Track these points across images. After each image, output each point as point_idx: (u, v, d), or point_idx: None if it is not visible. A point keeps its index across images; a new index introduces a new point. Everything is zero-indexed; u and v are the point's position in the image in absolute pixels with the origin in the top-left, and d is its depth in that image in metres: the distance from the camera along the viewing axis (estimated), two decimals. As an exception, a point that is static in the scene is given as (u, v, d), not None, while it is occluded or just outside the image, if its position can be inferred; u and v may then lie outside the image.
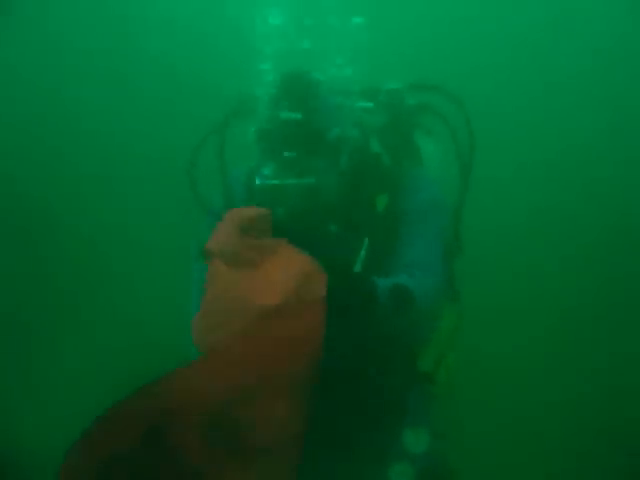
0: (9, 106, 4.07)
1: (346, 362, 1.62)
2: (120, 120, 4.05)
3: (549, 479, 3.28)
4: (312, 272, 1.49)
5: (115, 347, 3.65)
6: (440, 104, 2.13)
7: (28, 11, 4.16)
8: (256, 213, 1.56)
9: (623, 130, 4.05)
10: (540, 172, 3.93)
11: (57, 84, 4.16)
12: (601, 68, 4.02)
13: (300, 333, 1.41)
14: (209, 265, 1.54)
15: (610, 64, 4.04)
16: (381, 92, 2.13)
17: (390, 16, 3.49)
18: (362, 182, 1.83)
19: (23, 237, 3.93)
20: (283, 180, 1.70)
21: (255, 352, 1.40)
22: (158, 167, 3.80)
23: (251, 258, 1.50)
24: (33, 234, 3.96)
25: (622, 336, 3.68)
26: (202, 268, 1.55)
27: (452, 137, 2.10)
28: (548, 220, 3.94)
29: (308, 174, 1.70)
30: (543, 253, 3.88)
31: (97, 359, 3.65)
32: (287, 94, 1.72)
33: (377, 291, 1.58)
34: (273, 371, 1.39)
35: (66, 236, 3.97)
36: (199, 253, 1.56)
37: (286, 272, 1.48)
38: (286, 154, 1.69)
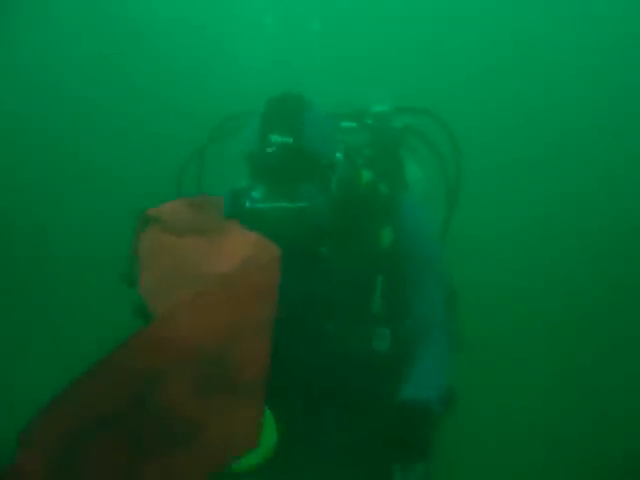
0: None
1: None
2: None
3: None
4: (264, 245, 1.52)
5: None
6: (426, 126, 2.13)
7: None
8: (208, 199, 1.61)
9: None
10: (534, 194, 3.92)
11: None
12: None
13: (259, 286, 1.48)
14: (145, 233, 1.58)
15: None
16: (368, 114, 2.13)
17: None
18: (358, 208, 1.81)
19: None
20: (273, 203, 1.68)
21: (227, 300, 1.45)
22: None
23: (200, 228, 1.55)
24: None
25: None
26: None
27: (438, 159, 2.10)
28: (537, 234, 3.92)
29: (298, 198, 1.68)
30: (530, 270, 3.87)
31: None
32: (278, 117, 1.70)
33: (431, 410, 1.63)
34: (245, 314, 1.46)
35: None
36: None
37: (237, 244, 1.52)
38: (276, 178, 1.68)
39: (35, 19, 4.19)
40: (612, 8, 4.19)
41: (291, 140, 1.66)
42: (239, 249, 1.51)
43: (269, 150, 1.66)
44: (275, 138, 1.66)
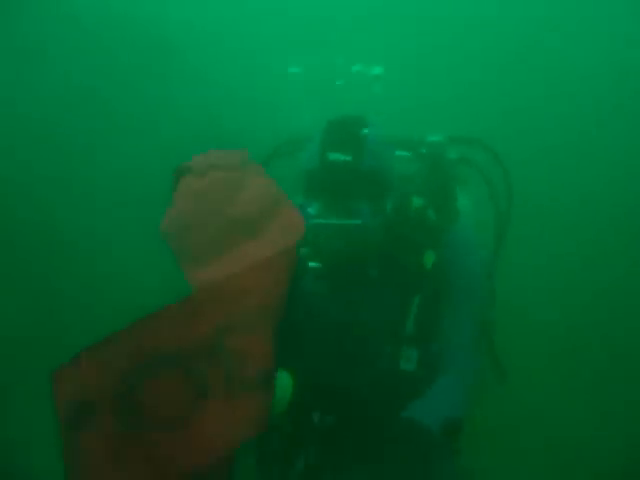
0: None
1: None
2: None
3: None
4: (282, 199, 1.56)
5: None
6: (479, 158, 2.15)
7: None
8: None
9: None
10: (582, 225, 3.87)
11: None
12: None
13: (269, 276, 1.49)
14: (179, 182, 1.62)
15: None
16: (423, 144, 2.15)
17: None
18: (407, 231, 1.84)
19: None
20: (327, 220, 1.71)
21: (233, 289, 1.48)
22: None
23: (226, 169, 1.60)
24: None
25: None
26: None
27: (490, 191, 2.11)
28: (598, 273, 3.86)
29: (353, 216, 1.70)
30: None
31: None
32: (338, 135, 1.74)
33: (430, 436, 1.61)
34: (251, 302, 1.47)
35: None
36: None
37: (257, 190, 1.58)
38: (332, 195, 1.71)
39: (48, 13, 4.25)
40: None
41: (350, 158, 1.70)
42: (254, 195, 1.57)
43: (328, 167, 1.70)
44: (334, 156, 1.70)
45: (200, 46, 4.30)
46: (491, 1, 4.23)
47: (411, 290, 1.81)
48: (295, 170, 1.86)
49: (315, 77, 2.20)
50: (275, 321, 1.47)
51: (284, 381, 1.59)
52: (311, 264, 1.77)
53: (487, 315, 2.04)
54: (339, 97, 2.12)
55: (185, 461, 1.39)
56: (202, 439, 1.39)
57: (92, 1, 4.29)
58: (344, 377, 1.79)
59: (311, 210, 1.74)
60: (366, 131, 1.76)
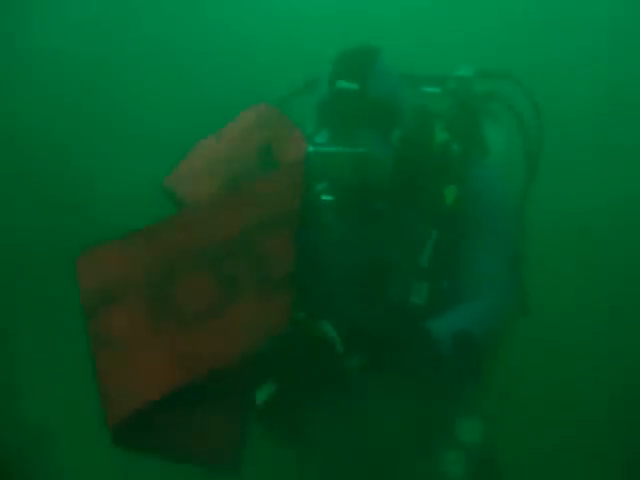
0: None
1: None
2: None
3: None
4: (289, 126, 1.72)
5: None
6: (509, 92, 2.11)
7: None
8: None
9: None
10: (617, 162, 3.77)
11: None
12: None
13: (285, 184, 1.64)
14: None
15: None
16: (450, 79, 2.12)
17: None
18: (425, 165, 1.83)
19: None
20: (333, 148, 1.71)
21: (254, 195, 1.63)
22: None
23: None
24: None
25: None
26: None
27: (519, 127, 2.08)
28: (625, 212, 3.77)
29: (358, 144, 1.70)
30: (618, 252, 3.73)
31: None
32: (346, 64, 1.73)
33: (438, 345, 1.61)
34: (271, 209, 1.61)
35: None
36: None
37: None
38: (338, 123, 1.70)
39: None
40: None
41: (357, 87, 1.68)
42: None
43: (334, 95, 1.70)
44: (341, 84, 1.69)
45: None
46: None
47: (428, 225, 1.81)
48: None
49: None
50: (293, 228, 1.57)
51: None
52: (324, 197, 1.77)
53: (517, 250, 2.02)
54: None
55: (211, 354, 1.45)
56: (229, 334, 1.47)
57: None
58: (356, 310, 1.81)
59: (318, 139, 1.74)
60: (375, 61, 1.75)
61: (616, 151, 3.85)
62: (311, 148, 1.74)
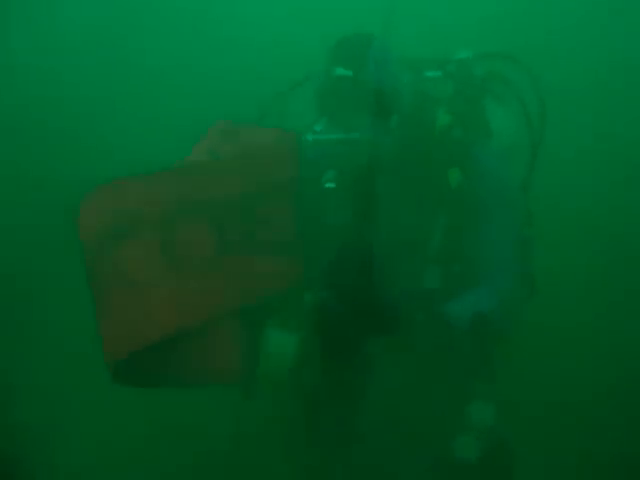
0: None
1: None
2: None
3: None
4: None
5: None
6: (510, 72, 2.10)
7: None
8: None
9: None
10: (616, 144, 3.76)
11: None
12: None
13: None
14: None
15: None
16: (450, 62, 2.11)
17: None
18: (427, 149, 1.83)
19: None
20: (330, 135, 1.73)
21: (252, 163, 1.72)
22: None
23: None
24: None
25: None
26: None
27: (521, 106, 2.08)
28: (624, 195, 3.77)
29: (354, 130, 1.72)
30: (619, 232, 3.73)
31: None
32: (343, 52, 1.75)
33: (456, 327, 1.65)
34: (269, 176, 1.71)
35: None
36: None
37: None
38: (335, 110, 1.73)
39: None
40: None
41: (351, 73, 1.71)
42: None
43: (331, 83, 1.73)
44: (338, 71, 1.72)
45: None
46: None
47: (435, 209, 1.81)
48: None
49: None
50: (292, 195, 1.69)
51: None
52: (327, 185, 1.78)
53: (523, 231, 2.03)
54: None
55: (211, 302, 1.53)
56: (227, 286, 1.56)
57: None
58: (368, 297, 1.82)
59: (317, 127, 1.75)
60: (369, 47, 1.76)
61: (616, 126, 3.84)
62: (310, 136, 1.75)
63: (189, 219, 1.57)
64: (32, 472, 2.82)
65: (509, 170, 1.94)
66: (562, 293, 3.45)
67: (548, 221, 2.76)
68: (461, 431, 1.86)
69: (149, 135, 3.90)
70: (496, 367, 1.89)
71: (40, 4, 4.27)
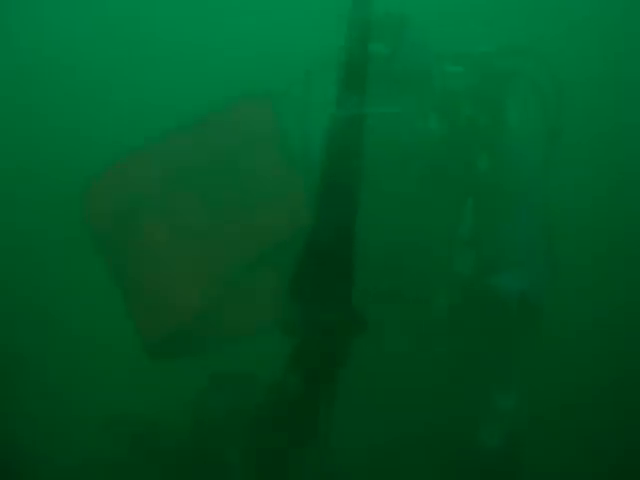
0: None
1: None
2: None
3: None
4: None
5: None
6: (531, 67, 2.09)
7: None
8: None
9: None
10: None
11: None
12: None
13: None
14: None
15: None
16: (472, 55, 2.09)
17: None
18: (455, 136, 1.84)
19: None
20: (363, 110, 1.64)
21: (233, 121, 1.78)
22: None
23: None
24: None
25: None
26: None
27: (541, 101, 2.07)
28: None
29: (391, 105, 1.72)
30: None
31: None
32: (377, 29, 1.71)
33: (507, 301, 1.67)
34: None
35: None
36: None
37: None
38: (371, 86, 1.70)
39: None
40: None
41: (387, 50, 1.71)
42: None
43: (365, 59, 1.67)
44: (372, 46, 1.67)
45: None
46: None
47: (464, 193, 1.82)
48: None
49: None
50: (277, 148, 1.75)
51: None
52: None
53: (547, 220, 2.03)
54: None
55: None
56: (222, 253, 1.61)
57: None
58: (399, 283, 1.81)
59: (346, 103, 1.72)
60: (407, 27, 1.79)
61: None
62: (340, 111, 1.71)
63: (179, 189, 1.62)
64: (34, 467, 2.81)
65: (529, 160, 1.98)
66: (562, 292, 3.46)
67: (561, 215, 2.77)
68: (483, 419, 1.85)
69: (148, 123, 3.86)
70: (522, 353, 1.89)
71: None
